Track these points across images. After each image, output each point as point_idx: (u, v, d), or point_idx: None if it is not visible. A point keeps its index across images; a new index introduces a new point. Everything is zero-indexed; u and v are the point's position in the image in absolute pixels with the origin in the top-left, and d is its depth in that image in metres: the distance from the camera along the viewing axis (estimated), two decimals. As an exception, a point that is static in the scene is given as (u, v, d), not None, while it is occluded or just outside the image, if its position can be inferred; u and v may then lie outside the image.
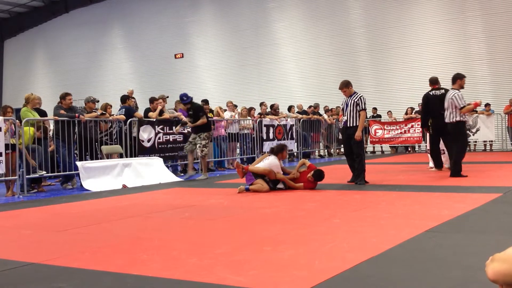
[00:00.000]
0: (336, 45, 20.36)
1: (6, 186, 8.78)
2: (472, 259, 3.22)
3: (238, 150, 14.05)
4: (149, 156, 10.54)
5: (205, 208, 6.15)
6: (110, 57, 25.94)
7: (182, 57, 23.97)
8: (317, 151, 17.14)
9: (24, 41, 28.87)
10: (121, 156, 10.22)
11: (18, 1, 26.67)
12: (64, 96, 9.72)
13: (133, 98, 12.76)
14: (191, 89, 21.32)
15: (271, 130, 14.22)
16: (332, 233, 4.27)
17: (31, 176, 8.76)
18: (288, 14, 21.54)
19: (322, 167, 7.99)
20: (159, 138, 10.98)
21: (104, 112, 10.42)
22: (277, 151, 7.96)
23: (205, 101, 13.05)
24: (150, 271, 3.19)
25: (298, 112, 16.47)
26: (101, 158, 9.97)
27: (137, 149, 10.48)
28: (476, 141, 16.94)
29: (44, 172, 9.10)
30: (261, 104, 15.01)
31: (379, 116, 18.46)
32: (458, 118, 8.68)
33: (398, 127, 17.42)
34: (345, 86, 8.39)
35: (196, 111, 10.37)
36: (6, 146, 8.30)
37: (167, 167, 10.86)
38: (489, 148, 16.95)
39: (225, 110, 13.94)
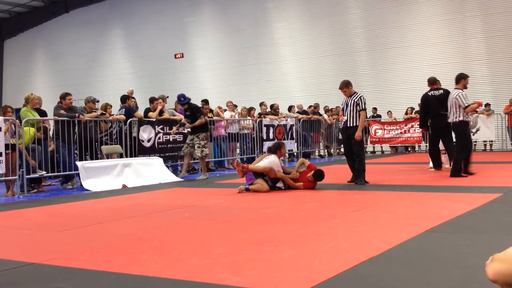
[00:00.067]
0: (336, 45, 20.37)
1: (6, 186, 8.78)
2: (472, 259, 3.22)
3: (238, 150, 14.05)
4: (149, 156, 10.54)
5: (205, 208, 6.15)
6: (110, 57, 25.94)
7: (182, 57, 23.98)
8: (317, 151, 17.14)
9: (24, 41, 28.87)
10: (121, 156, 10.22)
11: (18, 1, 26.67)
12: (64, 96, 9.72)
13: (133, 98, 12.77)
14: (191, 89, 21.35)
15: (271, 130, 14.22)
16: (332, 233, 4.27)
17: (31, 176, 8.76)
18: (287, 14, 21.54)
19: (322, 167, 7.99)
20: (159, 138, 10.98)
21: (104, 112, 10.42)
22: (275, 149, 7.97)
23: (205, 101, 13.05)
24: (150, 271, 3.19)
25: (298, 112, 16.47)
26: (101, 158, 9.97)
27: (137, 149, 10.48)
28: (476, 141, 16.94)
29: (44, 172, 9.10)
30: (261, 104, 15.01)
31: (379, 116, 18.46)
32: (461, 118, 8.68)
33: (398, 127, 17.43)
34: (345, 86, 8.39)
35: (193, 111, 10.37)
36: (6, 146, 8.30)
37: (167, 167, 10.86)
38: (489, 148, 16.95)
39: (225, 110, 13.94)
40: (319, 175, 7.60)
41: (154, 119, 10.94)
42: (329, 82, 18.97)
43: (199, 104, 12.38)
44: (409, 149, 18.07)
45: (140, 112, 11.31)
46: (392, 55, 19.32)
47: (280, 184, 7.69)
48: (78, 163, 9.16)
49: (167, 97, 12.26)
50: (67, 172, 9.49)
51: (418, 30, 18.84)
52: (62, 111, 9.49)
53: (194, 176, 10.82)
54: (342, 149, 13.47)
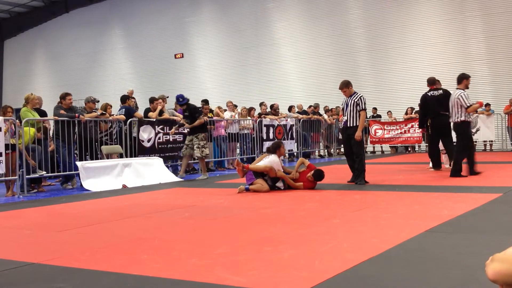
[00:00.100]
0: (336, 45, 20.37)
1: (6, 186, 8.78)
2: (472, 259, 3.22)
3: (238, 150, 14.05)
4: (149, 156, 10.54)
5: (205, 208, 6.15)
6: (110, 57, 25.94)
7: (182, 57, 23.98)
8: (317, 151, 17.14)
9: (24, 41, 28.88)
10: (121, 156, 10.22)
11: (18, 1, 26.68)
12: (64, 96, 9.72)
13: (133, 98, 12.76)
14: (191, 89, 21.36)
15: (271, 130, 14.22)
16: (332, 233, 4.27)
17: (31, 176, 8.76)
18: (288, 14, 21.54)
19: (322, 167, 7.99)
20: (159, 138, 10.98)
21: (104, 112, 10.42)
22: (274, 149, 7.98)
23: (205, 101, 13.06)
24: (150, 271, 3.19)
25: (298, 112, 16.47)
26: (101, 158, 9.97)
27: (137, 149, 10.48)
28: (476, 141, 16.93)
29: (44, 172, 9.10)
30: (261, 104, 15.01)
31: (379, 116, 18.46)
32: (463, 118, 8.68)
33: (398, 127, 17.43)
34: (345, 86, 8.39)
35: (192, 112, 10.36)
36: (6, 146, 8.31)
37: (167, 167, 10.86)
38: (489, 148, 16.95)
39: (225, 110, 13.94)
40: (319, 175, 7.61)
41: (154, 119, 10.94)
42: (330, 82, 18.96)
43: (199, 105, 12.38)
44: (409, 149, 18.07)
45: (140, 112, 11.31)
46: (392, 55, 19.32)
47: (279, 184, 7.69)
48: (78, 163, 9.16)
49: (167, 97, 12.25)
50: (67, 172, 9.49)
51: (418, 30, 18.84)
52: (62, 111, 9.49)
53: (194, 176, 10.82)
54: (342, 149, 13.47)
